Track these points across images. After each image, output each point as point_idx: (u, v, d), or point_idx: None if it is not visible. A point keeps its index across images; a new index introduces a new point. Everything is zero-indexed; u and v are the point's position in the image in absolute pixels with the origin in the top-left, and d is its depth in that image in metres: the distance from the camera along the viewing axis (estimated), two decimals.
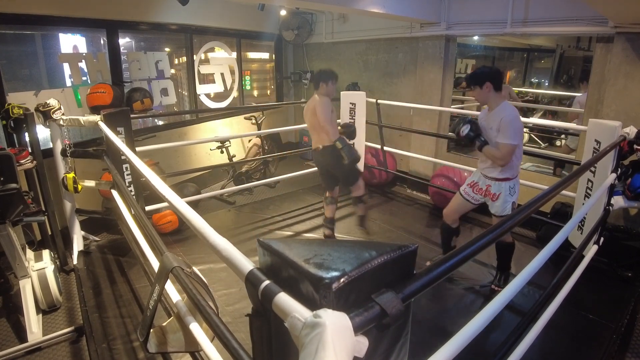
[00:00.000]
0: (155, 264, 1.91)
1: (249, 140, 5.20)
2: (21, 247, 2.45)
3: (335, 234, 3.58)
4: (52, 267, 2.61)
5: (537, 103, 6.92)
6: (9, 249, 2.33)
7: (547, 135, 6.07)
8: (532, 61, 8.29)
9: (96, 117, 2.92)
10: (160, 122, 4.74)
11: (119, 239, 3.46)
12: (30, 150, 2.77)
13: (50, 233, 2.99)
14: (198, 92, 4.89)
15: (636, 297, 2.64)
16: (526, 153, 4.70)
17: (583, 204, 2.73)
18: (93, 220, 3.53)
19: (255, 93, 6.08)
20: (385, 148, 4.59)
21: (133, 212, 2.38)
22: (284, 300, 0.70)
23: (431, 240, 3.55)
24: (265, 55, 6.14)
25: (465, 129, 2.44)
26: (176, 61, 4.93)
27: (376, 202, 4.46)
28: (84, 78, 3.74)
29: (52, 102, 2.89)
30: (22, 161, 2.63)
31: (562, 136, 6.13)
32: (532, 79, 8.32)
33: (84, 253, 3.16)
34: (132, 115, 3.19)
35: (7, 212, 2.19)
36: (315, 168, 4.84)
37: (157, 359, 2.03)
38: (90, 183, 3.15)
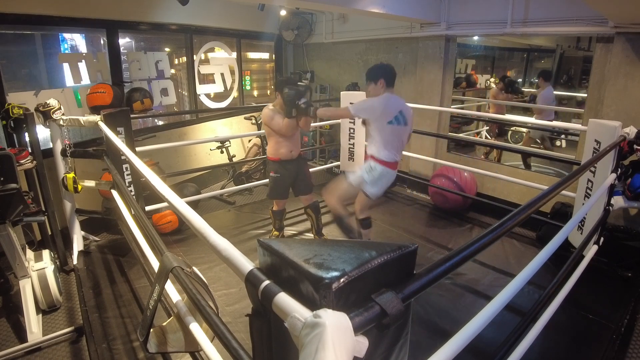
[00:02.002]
0: (155, 264, 1.91)
1: (249, 140, 5.20)
2: (21, 247, 2.45)
3: (335, 235, 3.58)
4: (52, 267, 2.61)
5: (537, 103, 6.92)
6: (9, 249, 2.33)
7: (547, 136, 6.06)
8: (532, 61, 8.29)
9: (96, 117, 2.92)
10: (160, 122, 4.74)
11: (119, 239, 3.46)
12: (30, 150, 2.77)
13: (50, 233, 2.99)
14: (198, 92, 4.89)
15: (636, 297, 2.64)
16: (527, 153, 4.80)
17: (583, 204, 2.73)
18: (93, 220, 3.53)
19: (255, 93, 6.08)
20: None
21: (133, 212, 2.38)
22: (284, 300, 0.70)
23: (431, 240, 3.55)
24: (265, 55, 6.14)
25: (302, 99, 2.73)
26: (176, 61, 4.93)
27: (376, 202, 4.43)
28: (84, 78, 3.74)
29: (52, 102, 2.89)
30: (22, 161, 2.63)
31: (562, 136, 6.14)
32: (532, 79, 8.32)
33: (84, 253, 3.16)
34: (132, 115, 3.19)
35: (7, 212, 2.19)
36: (314, 169, 4.87)
37: (157, 359, 2.03)
38: (90, 183, 3.15)
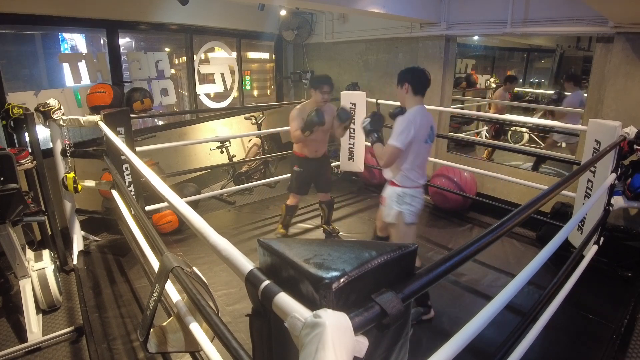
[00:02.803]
0: (155, 264, 1.91)
1: (249, 140, 5.20)
2: (21, 247, 2.45)
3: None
4: (52, 267, 2.61)
5: (537, 103, 6.92)
6: (9, 249, 2.33)
7: (547, 136, 6.05)
8: (532, 61, 8.29)
9: (96, 117, 2.92)
10: (160, 122, 4.74)
11: (119, 239, 3.46)
12: (30, 150, 2.77)
13: (50, 233, 2.99)
14: (198, 92, 4.89)
15: (636, 297, 2.64)
16: (527, 153, 4.80)
17: (583, 204, 2.73)
18: (93, 220, 3.53)
19: (255, 93, 6.08)
20: None
21: (133, 212, 2.38)
22: (284, 300, 0.70)
23: (431, 240, 3.55)
24: (265, 55, 6.14)
25: (365, 121, 2.41)
26: (176, 61, 4.93)
27: (376, 202, 4.43)
28: (84, 78, 3.74)
29: (52, 102, 2.89)
30: (22, 161, 2.63)
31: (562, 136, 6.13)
32: (532, 79, 8.33)
33: (84, 253, 3.16)
34: (132, 115, 3.19)
35: (7, 212, 2.19)
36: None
37: (157, 359, 2.03)
38: (90, 183, 3.15)
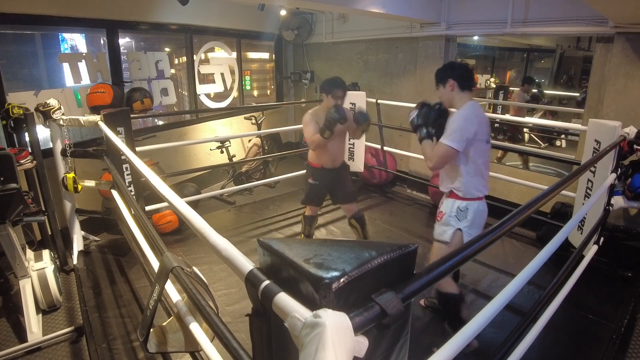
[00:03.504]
0: (155, 263, 1.91)
1: (249, 140, 5.20)
2: (21, 247, 2.45)
3: (335, 234, 3.59)
4: (52, 267, 2.61)
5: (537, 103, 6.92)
6: (9, 249, 2.33)
7: (547, 135, 6.06)
8: (532, 61, 8.29)
9: (96, 117, 2.92)
10: (160, 122, 4.74)
11: (119, 239, 3.46)
12: (30, 150, 2.77)
13: (50, 233, 2.99)
14: (198, 92, 4.89)
15: (636, 297, 2.64)
16: (527, 153, 4.80)
17: (583, 204, 2.73)
18: (93, 220, 3.54)
19: (255, 93, 6.08)
20: (385, 148, 4.59)
21: (133, 212, 2.38)
22: (284, 300, 0.70)
23: (431, 241, 3.54)
24: (265, 55, 6.14)
25: (412, 114, 2.06)
26: (176, 61, 4.93)
27: (376, 202, 4.46)
28: (84, 78, 3.74)
29: (52, 102, 2.89)
30: (22, 161, 2.63)
31: (562, 136, 6.13)
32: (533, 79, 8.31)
33: (84, 253, 3.16)
34: (132, 115, 3.19)
35: (7, 212, 2.19)
36: None
37: (157, 359, 2.03)
38: (90, 183, 3.15)
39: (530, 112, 6.69)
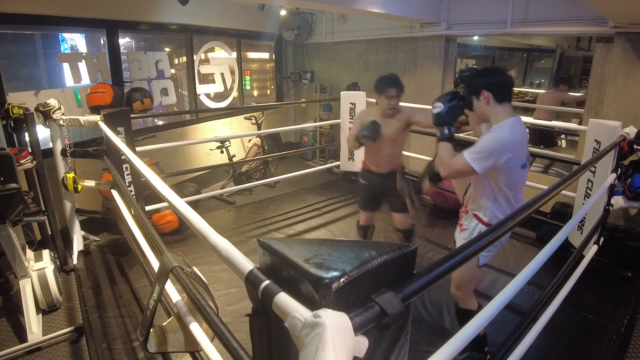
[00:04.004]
0: (155, 263, 1.91)
1: (249, 140, 5.20)
2: (21, 247, 2.45)
3: (335, 234, 3.58)
4: (52, 267, 2.61)
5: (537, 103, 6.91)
6: (9, 249, 2.33)
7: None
8: (532, 61, 8.28)
9: (96, 117, 2.92)
10: (160, 122, 4.74)
11: (119, 239, 3.46)
12: (30, 150, 2.77)
13: (50, 233, 2.99)
14: (198, 92, 4.89)
15: (636, 297, 2.64)
16: (532, 155, 4.65)
17: (583, 204, 2.73)
18: (93, 220, 3.53)
19: (255, 93, 6.08)
20: None
21: (133, 212, 2.38)
22: (284, 300, 0.70)
23: (431, 240, 3.54)
24: (265, 55, 6.14)
25: (437, 106, 1.75)
26: (176, 61, 4.93)
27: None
28: (84, 78, 3.74)
29: (52, 102, 2.89)
30: (22, 161, 2.63)
31: (562, 136, 6.12)
32: (533, 79, 8.31)
33: (84, 253, 3.16)
34: (132, 115, 3.19)
35: (7, 212, 2.19)
36: (314, 169, 4.87)
37: (157, 359, 2.03)
38: (90, 183, 3.15)
39: (531, 112, 6.67)
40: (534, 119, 4.92)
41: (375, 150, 2.57)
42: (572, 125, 4.10)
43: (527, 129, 1.97)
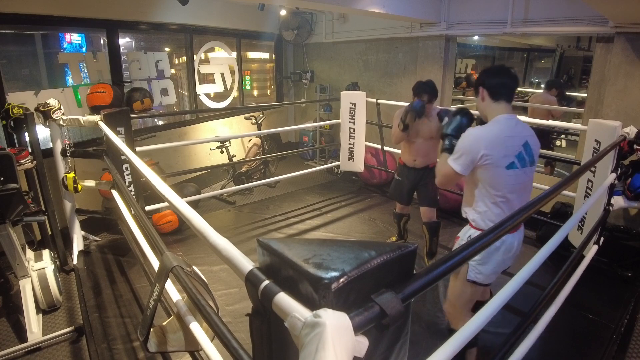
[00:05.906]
0: (155, 263, 1.91)
1: (249, 140, 5.20)
2: (21, 247, 2.45)
3: (335, 234, 3.58)
4: (52, 267, 2.61)
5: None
6: (9, 249, 2.33)
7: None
8: (532, 61, 8.28)
9: (96, 117, 2.92)
10: (160, 122, 4.74)
11: (119, 239, 3.46)
12: (30, 150, 2.77)
13: (50, 233, 2.99)
14: (198, 92, 4.89)
15: (636, 297, 2.64)
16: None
17: (583, 203, 2.73)
18: (93, 220, 3.53)
19: (255, 93, 6.08)
20: (385, 148, 4.59)
21: (133, 212, 2.38)
22: (284, 300, 0.70)
23: None
24: (265, 55, 6.14)
25: (446, 122, 1.84)
26: (176, 61, 4.93)
27: (376, 202, 4.45)
28: (84, 78, 3.74)
29: (52, 102, 2.89)
30: (22, 161, 2.63)
31: (562, 136, 6.13)
32: (533, 79, 8.31)
33: (84, 253, 3.16)
34: (132, 115, 3.19)
35: (7, 212, 2.19)
36: (314, 169, 4.87)
37: (157, 359, 2.03)
38: (90, 183, 3.15)
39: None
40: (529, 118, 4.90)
41: (412, 145, 2.91)
42: (572, 125, 4.10)
43: None
